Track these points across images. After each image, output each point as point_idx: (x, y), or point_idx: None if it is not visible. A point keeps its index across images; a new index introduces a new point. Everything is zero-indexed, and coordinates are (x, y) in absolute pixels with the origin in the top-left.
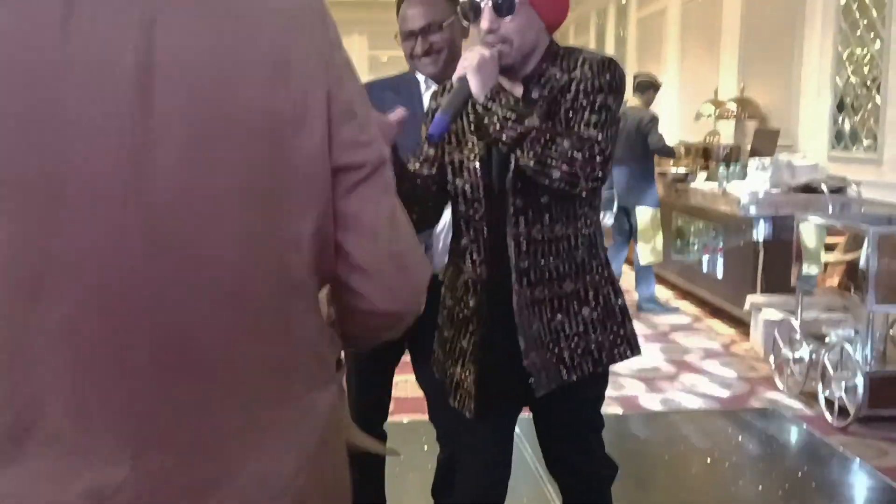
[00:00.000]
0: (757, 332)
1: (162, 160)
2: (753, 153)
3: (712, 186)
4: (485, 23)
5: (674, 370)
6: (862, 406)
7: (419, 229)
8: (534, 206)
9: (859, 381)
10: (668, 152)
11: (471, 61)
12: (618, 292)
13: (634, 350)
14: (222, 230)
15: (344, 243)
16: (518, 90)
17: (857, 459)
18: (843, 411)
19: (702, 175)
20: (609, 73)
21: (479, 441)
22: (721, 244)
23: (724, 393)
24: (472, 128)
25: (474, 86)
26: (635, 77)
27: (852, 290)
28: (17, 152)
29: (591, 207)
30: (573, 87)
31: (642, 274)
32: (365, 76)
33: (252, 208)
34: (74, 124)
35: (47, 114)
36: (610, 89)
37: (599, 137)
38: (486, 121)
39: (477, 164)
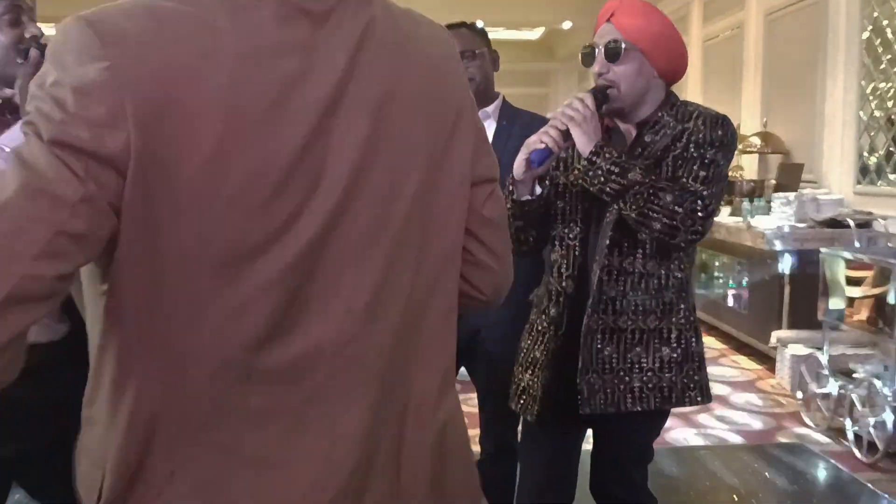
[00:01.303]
0: (783, 367)
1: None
2: (778, 188)
3: (737, 221)
4: (596, 66)
5: (702, 406)
6: (891, 442)
7: (538, 250)
8: (630, 239)
9: (888, 416)
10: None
11: (574, 114)
12: (699, 339)
13: (705, 398)
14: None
15: (480, 235)
16: (632, 133)
17: (886, 496)
18: (871, 447)
19: (726, 209)
20: (721, 129)
21: (538, 447)
22: (746, 279)
23: (752, 428)
24: (579, 178)
25: (579, 140)
26: None
27: (880, 325)
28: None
29: (687, 253)
30: (685, 138)
31: None
32: None
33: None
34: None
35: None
36: (721, 145)
37: (704, 192)
38: (590, 173)
39: (579, 189)
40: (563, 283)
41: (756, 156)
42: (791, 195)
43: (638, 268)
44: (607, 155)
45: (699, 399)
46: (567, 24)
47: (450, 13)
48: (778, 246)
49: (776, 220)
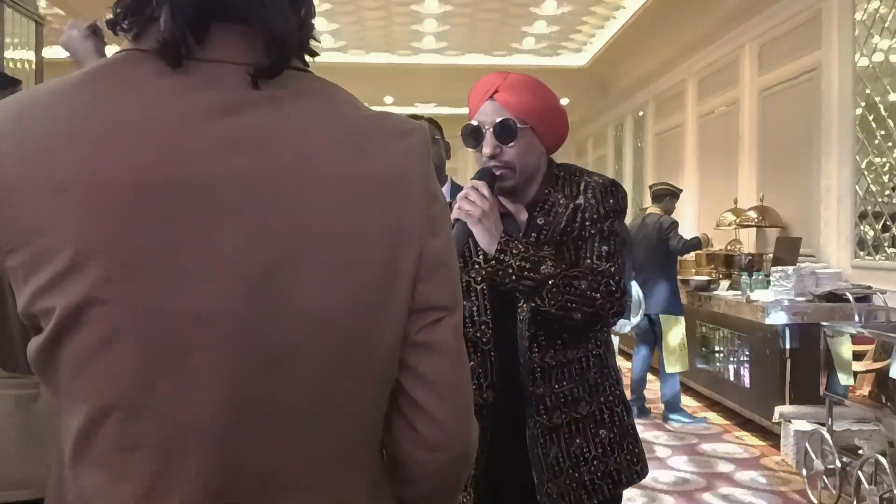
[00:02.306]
0: (788, 443)
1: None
2: (776, 262)
3: (736, 294)
4: (487, 148)
5: (704, 483)
6: None
7: None
8: (545, 332)
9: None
10: (695, 245)
11: (471, 209)
12: (629, 410)
13: (645, 470)
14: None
15: (419, 366)
16: (523, 215)
17: None
18: None
19: (724, 283)
20: (613, 198)
21: None
22: (747, 353)
23: None
24: (482, 279)
25: (482, 239)
26: (651, 187)
27: (883, 400)
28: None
29: (601, 330)
30: (578, 217)
31: (667, 380)
32: None
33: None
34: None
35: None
36: (616, 213)
37: (612, 270)
38: (500, 272)
39: (484, 286)
40: (485, 395)
41: (754, 230)
42: (790, 269)
43: (559, 359)
44: (514, 251)
45: (643, 472)
46: (564, 101)
47: (450, 91)
48: (778, 320)
49: (775, 293)
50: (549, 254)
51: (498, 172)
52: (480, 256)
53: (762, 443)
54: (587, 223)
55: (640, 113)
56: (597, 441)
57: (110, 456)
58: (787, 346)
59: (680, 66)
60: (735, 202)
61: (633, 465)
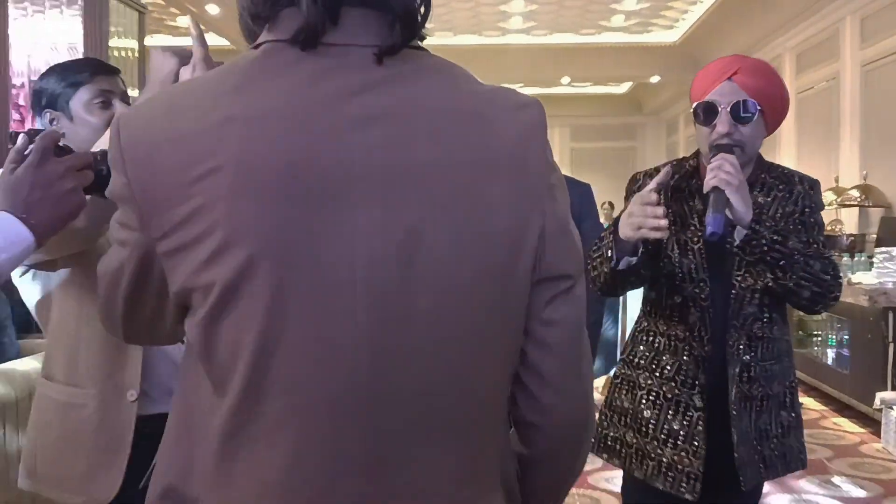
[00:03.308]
0: (889, 430)
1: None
2: (879, 243)
3: None
4: (723, 126)
5: (801, 471)
6: None
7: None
8: (760, 304)
9: None
10: None
11: (729, 178)
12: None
13: (806, 461)
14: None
15: (546, 337)
16: None
17: None
18: None
19: None
20: (819, 191)
21: None
22: (847, 337)
23: (855, 495)
24: (737, 245)
25: (740, 207)
26: None
27: None
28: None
29: (819, 309)
30: (799, 202)
31: None
32: (566, 169)
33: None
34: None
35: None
36: (822, 208)
37: (833, 257)
38: (753, 241)
39: (701, 246)
40: (706, 349)
41: (856, 209)
42: (894, 250)
43: (766, 333)
44: (768, 222)
45: (805, 463)
46: (655, 79)
47: (537, 71)
48: (881, 303)
49: (878, 276)
50: (795, 229)
51: (726, 143)
52: (695, 218)
53: (862, 430)
54: (807, 210)
55: None
56: (778, 421)
57: (261, 428)
58: (891, 331)
59: (775, 41)
60: (836, 181)
61: (800, 453)
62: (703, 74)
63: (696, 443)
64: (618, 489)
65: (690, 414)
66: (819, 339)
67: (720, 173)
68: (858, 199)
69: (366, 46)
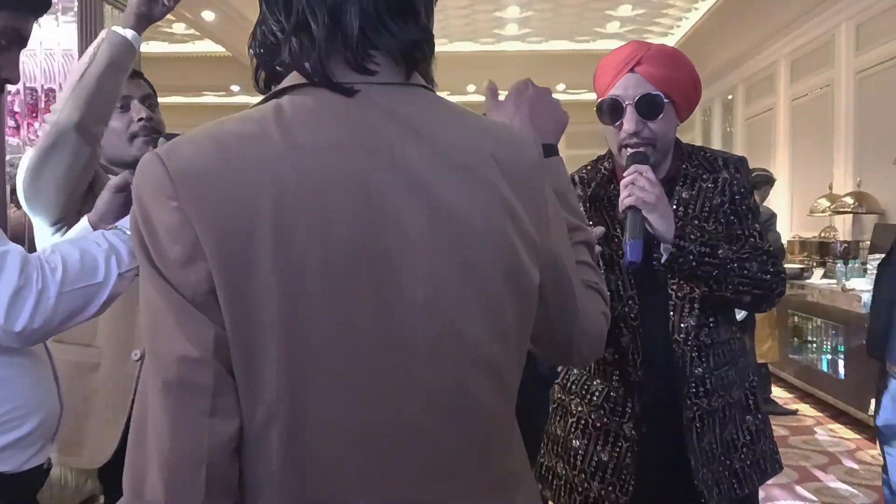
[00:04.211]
0: None
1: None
2: (873, 249)
3: (830, 283)
4: (629, 125)
5: (796, 475)
6: None
7: None
8: (701, 308)
9: None
10: (780, 252)
11: (645, 195)
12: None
13: (781, 461)
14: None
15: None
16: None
17: None
18: None
19: (818, 271)
20: (748, 172)
21: None
22: (842, 344)
23: (852, 502)
24: (665, 265)
25: (659, 226)
26: None
27: None
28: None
29: (764, 309)
30: (727, 190)
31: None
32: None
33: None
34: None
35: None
36: (752, 190)
37: (771, 249)
38: (679, 259)
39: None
40: (639, 372)
41: (850, 216)
42: None
43: (715, 338)
44: (692, 236)
45: (780, 465)
46: None
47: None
48: None
49: (872, 282)
50: (720, 234)
51: (640, 150)
52: (618, 230)
53: (857, 436)
54: (736, 196)
55: (729, 97)
56: (744, 427)
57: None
58: None
59: (771, 48)
60: (830, 188)
61: (774, 455)
62: (603, 67)
63: (623, 476)
64: None
65: (619, 445)
66: (814, 345)
67: (635, 190)
68: (852, 206)
69: (383, 84)
